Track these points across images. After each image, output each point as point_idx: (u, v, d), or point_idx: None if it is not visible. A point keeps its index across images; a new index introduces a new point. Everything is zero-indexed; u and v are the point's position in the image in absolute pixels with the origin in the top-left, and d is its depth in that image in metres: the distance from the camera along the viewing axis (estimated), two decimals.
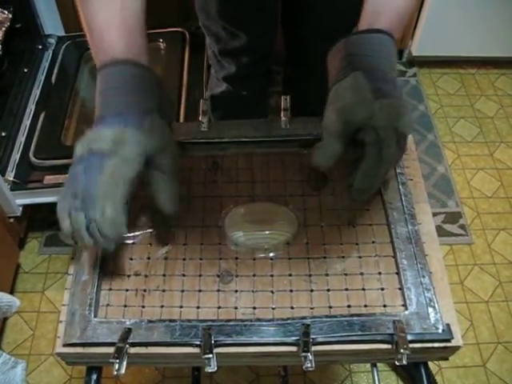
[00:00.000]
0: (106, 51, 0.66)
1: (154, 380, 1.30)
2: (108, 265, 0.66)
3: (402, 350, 0.57)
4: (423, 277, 0.63)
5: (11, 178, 1.32)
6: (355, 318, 0.60)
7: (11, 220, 1.37)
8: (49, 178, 1.32)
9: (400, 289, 0.64)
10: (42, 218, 1.56)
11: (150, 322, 0.61)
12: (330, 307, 0.62)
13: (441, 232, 1.55)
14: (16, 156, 1.37)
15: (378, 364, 1.25)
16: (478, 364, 1.34)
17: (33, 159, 1.34)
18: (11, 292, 1.41)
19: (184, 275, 0.65)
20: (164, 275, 0.65)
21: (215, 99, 1.28)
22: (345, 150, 0.63)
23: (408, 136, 0.65)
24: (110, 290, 0.65)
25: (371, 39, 0.67)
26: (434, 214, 1.58)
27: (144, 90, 0.66)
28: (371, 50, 0.67)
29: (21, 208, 1.37)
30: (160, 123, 0.66)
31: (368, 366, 1.27)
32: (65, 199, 0.62)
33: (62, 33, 1.67)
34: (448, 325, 0.60)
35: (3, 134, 1.39)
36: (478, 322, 1.40)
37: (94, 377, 0.64)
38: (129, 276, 0.65)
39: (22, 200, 1.36)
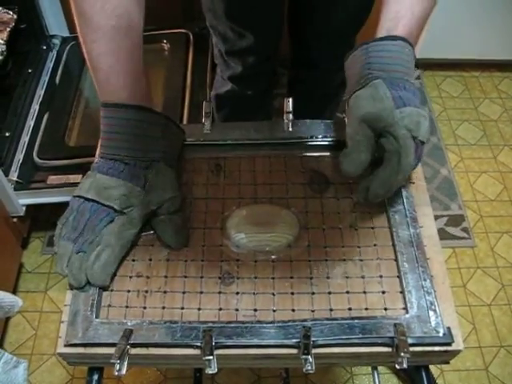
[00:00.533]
0: (111, 94, 0.68)
1: (155, 381, 1.30)
2: None
3: (402, 354, 0.57)
4: (424, 280, 0.63)
5: (15, 178, 1.33)
6: (356, 321, 0.60)
7: (14, 220, 1.38)
8: (52, 178, 1.33)
9: (401, 292, 0.63)
10: (45, 218, 1.57)
11: (151, 323, 0.61)
12: (331, 310, 0.62)
13: (443, 235, 1.55)
14: (20, 156, 1.37)
15: (379, 367, 1.25)
16: (480, 368, 1.34)
17: (36, 159, 1.35)
18: (14, 291, 1.42)
19: (185, 277, 0.65)
20: (166, 277, 0.65)
21: (220, 99, 1.29)
22: (371, 158, 0.66)
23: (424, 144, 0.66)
24: (112, 290, 0.65)
25: (390, 46, 0.67)
26: (437, 217, 1.58)
27: (151, 137, 0.69)
28: (390, 58, 0.67)
29: (24, 208, 1.38)
30: (164, 174, 0.69)
31: (369, 368, 1.27)
32: (64, 226, 0.66)
33: (66, 33, 1.68)
34: (449, 328, 0.60)
35: (7, 134, 1.40)
36: (480, 326, 1.40)
37: (96, 377, 0.64)
38: (130, 277, 0.66)
39: (25, 200, 1.36)
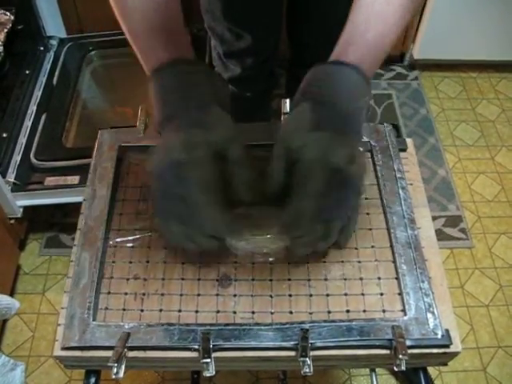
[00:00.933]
0: (157, 55, 0.67)
1: (153, 382, 1.30)
2: (107, 268, 0.66)
3: (400, 356, 0.57)
4: (422, 282, 0.63)
5: (12, 180, 1.33)
6: (354, 323, 0.60)
7: (12, 221, 1.38)
8: (49, 180, 1.33)
9: (399, 294, 0.63)
10: (42, 220, 1.56)
11: (148, 325, 0.61)
12: (329, 312, 0.62)
13: (441, 236, 1.55)
14: (17, 157, 1.37)
15: (378, 368, 1.25)
16: (478, 368, 1.33)
17: (34, 160, 1.35)
18: (11, 293, 1.41)
19: (183, 279, 0.65)
20: (163, 279, 0.65)
21: None
22: (289, 177, 0.63)
23: (356, 175, 0.62)
24: (109, 293, 0.64)
25: (332, 71, 0.66)
26: (435, 218, 1.58)
27: (201, 84, 0.66)
28: (329, 82, 0.65)
29: (21, 209, 1.37)
30: (222, 115, 0.65)
31: (367, 369, 1.26)
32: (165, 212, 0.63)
33: (63, 34, 1.67)
34: (447, 330, 0.60)
35: (4, 135, 1.39)
36: (478, 326, 1.40)
37: (93, 380, 0.63)
38: (128, 279, 0.65)
39: (22, 201, 1.36)
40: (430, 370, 1.31)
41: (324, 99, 0.64)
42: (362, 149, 0.67)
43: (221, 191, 0.63)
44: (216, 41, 1.13)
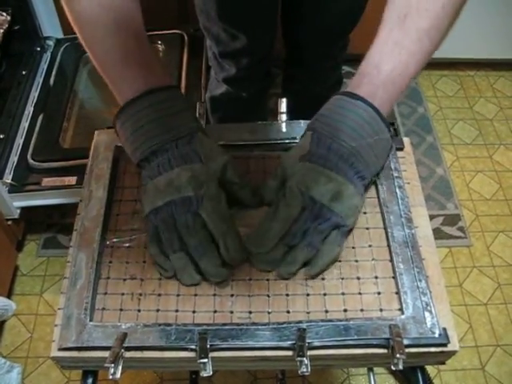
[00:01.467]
0: (130, 85, 0.66)
1: (151, 382, 1.30)
2: (104, 268, 0.66)
3: (398, 355, 0.56)
4: (420, 281, 0.63)
5: (9, 181, 1.32)
6: (351, 323, 0.60)
7: (9, 222, 1.38)
8: (47, 181, 1.32)
9: (396, 293, 0.63)
10: (39, 221, 1.56)
11: (145, 326, 0.60)
12: (326, 311, 0.62)
13: (440, 234, 1.55)
14: (14, 158, 1.37)
15: (376, 368, 1.25)
16: (476, 367, 1.34)
17: (31, 161, 1.35)
18: (9, 294, 1.41)
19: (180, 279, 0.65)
20: (160, 279, 0.65)
21: (215, 100, 1.28)
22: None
23: (341, 215, 0.63)
24: (106, 293, 0.64)
25: (345, 103, 0.65)
26: (433, 216, 1.58)
27: (178, 113, 0.67)
28: (339, 114, 0.65)
29: (18, 210, 1.37)
30: (210, 143, 0.68)
31: (366, 368, 1.26)
32: (157, 243, 0.64)
33: (60, 35, 1.67)
34: (444, 329, 0.60)
35: (1, 136, 1.39)
36: (476, 325, 1.40)
37: (90, 381, 0.63)
38: (125, 280, 0.65)
39: (19, 202, 1.36)
40: (429, 368, 1.32)
41: (326, 132, 0.65)
42: (362, 194, 0.66)
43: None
44: (211, 41, 1.13)
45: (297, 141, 0.75)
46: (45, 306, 1.43)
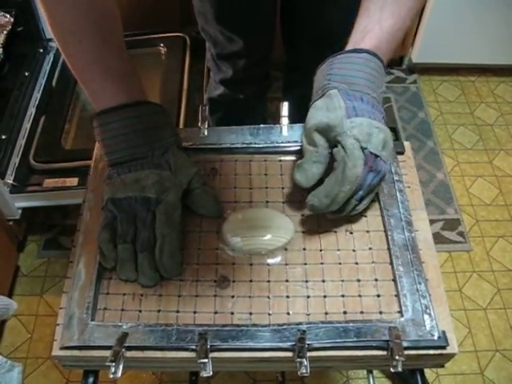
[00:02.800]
0: (110, 99, 0.67)
1: None
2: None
3: (397, 357, 0.57)
4: (419, 284, 0.63)
5: (11, 181, 1.33)
6: (351, 325, 0.60)
7: (10, 223, 1.38)
8: (48, 182, 1.33)
9: (396, 295, 0.64)
10: (41, 222, 1.57)
11: (146, 326, 0.61)
12: (326, 313, 0.62)
13: (439, 239, 1.56)
14: (16, 159, 1.37)
15: (375, 371, 1.25)
16: (475, 371, 1.34)
17: (32, 162, 1.35)
18: (10, 295, 1.41)
19: (181, 280, 0.65)
20: (161, 280, 0.65)
21: (213, 102, 1.29)
22: (324, 170, 0.67)
23: (387, 161, 0.66)
24: (108, 293, 0.65)
25: (353, 59, 0.68)
26: (433, 221, 1.59)
27: (156, 127, 0.69)
28: (352, 70, 0.67)
29: (20, 211, 1.38)
30: (181, 155, 0.70)
31: (365, 372, 1.27)
32: (111, 231, 0.66)
33: None
34: (444, 332, 0.60)
35: (3, 136, 1.40)
36: (476, 330, 1.40)
37: (91, 380, 0.63)
38: (126, 280, 0.66)
39: (21, 203, 1.36)
40: (428, 372, 1.32)
41: (350, 87, 0.66)
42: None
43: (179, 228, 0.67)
44: (209, 42, 1.14)
45: (298, 144, 0.76)
46: (45, 307, 1.43)
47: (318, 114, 0.67)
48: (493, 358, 1.36)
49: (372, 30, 0.69)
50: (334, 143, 0.66)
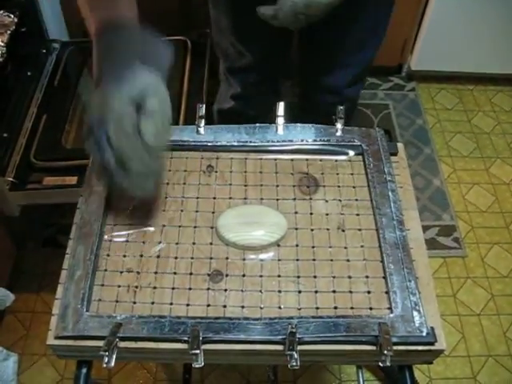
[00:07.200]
0: (96, 17, 0.71)
1: (145, 383, 1.30)
2: (101, 261, 0.68)
3: (385, 352, 0.58)
4: (409, 281, 0.65)
5: (11, 179, 1.34)
6: (341, 320, 0.61)
7: (10, 220, 1.39)
8: (48, 180, 1.33)
9: (386, 292, 0.65)
10: (40, 219, 1.57)
11: (140, 317, 0.62)
12: (317, 308, 0.64)
13: (435, 244, 1.57)
14: (16, 157, 1.38)
15: (367, 375, 1.26)
16: (468, 376, 1.34)
17: (33, 160, 1.36)
18: None
19: (175, 273, 0.67)
20: (156, 273, 0.67)
21: (223, 114, 1.29)
22: None
23: None
24: (103, 285, 0.66)
25: None
26: (429, 227, 1.60)
27: (129, 46, 0.71)
28: None
29: (19, 208, 1.39)
30: (142, 70, 0.71)
31: (358, 374, 1.27)
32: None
33: (66, 38, 1.70)
34: (432, 328, 0.61)
35: (5, 134, 1.41)
36: (469, 335, 1.41)
37: (84, 371, 0.64)
38: (121, 272, 0.67)
39: (20, 201, 1.37)
40: (420, 377, 1.32)
41: None
42: None
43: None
44: (220, 56, 1.15)
45: (294, 143, 0.78)
46: (42, 305, 1.44)
47: None
48: (485, 363, 1.36)
49: None
50: None
